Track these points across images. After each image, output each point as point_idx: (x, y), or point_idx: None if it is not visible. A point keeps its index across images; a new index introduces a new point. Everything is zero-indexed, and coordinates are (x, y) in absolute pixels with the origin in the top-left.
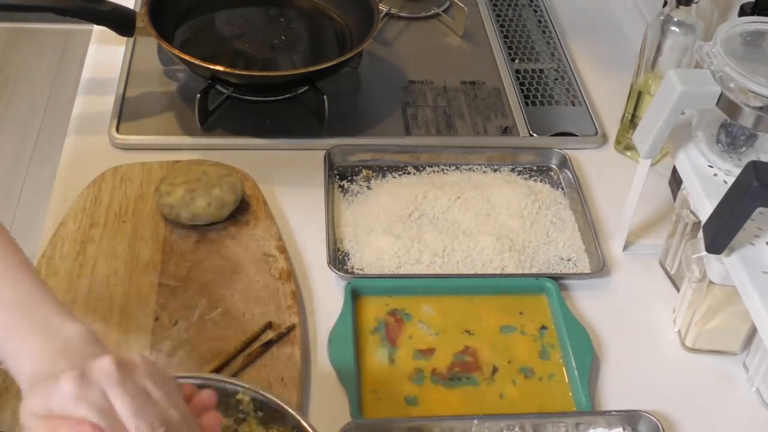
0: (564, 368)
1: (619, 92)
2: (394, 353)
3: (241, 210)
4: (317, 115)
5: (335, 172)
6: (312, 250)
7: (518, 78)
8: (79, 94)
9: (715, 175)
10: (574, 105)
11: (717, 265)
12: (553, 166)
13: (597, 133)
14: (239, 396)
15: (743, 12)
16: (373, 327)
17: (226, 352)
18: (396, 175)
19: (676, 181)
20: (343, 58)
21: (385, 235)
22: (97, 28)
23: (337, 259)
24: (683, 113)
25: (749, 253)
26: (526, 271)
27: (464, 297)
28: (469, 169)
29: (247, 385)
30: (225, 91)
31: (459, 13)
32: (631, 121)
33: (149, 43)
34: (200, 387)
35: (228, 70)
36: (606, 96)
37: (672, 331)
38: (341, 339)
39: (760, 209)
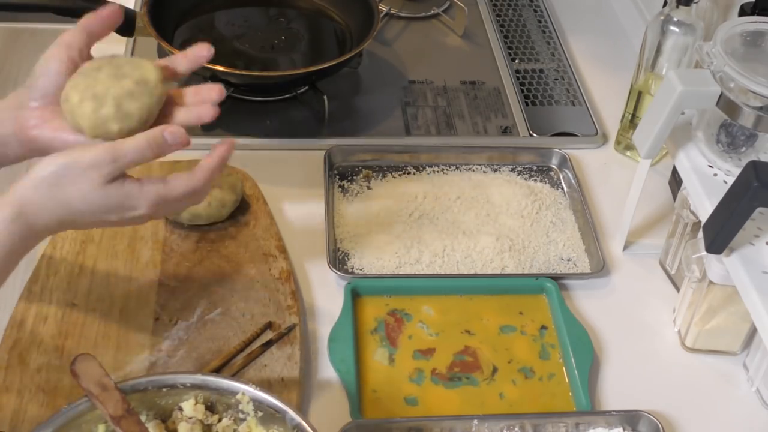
0: (564, 368)
1: (619, 92)
2: (394, 353)
3: (241, 210)
4: (317, 115)
5: (335, 172)
6: (312, 250)
7: (518, 78)
8: None
9: (715, 175)
10: (574, 105)
11: (717, 265)
12: (553, 166)
13: (597, 133)
14: (239, 396)
15: (743, 12)
16: (373, 327)
17: (226, 352)
18: (396, 175)
19: (676, 181)
20: (343, 58)
21: (385, 235)
22: None
23: (337, 259)
24: (683, 113)
25: (749, 253)
26: (526, 271)
27: (464, 297)
28: (469, 169)
29: (247, 385)
30: (225, 91)
31: (459, 13)
32: (631, 121)
33: (149, 43)
34: (200, 387)
35: (228, 70)
36: (606, 96)
37: (672, 331)
38: (341, 339)
39: (760, 209)
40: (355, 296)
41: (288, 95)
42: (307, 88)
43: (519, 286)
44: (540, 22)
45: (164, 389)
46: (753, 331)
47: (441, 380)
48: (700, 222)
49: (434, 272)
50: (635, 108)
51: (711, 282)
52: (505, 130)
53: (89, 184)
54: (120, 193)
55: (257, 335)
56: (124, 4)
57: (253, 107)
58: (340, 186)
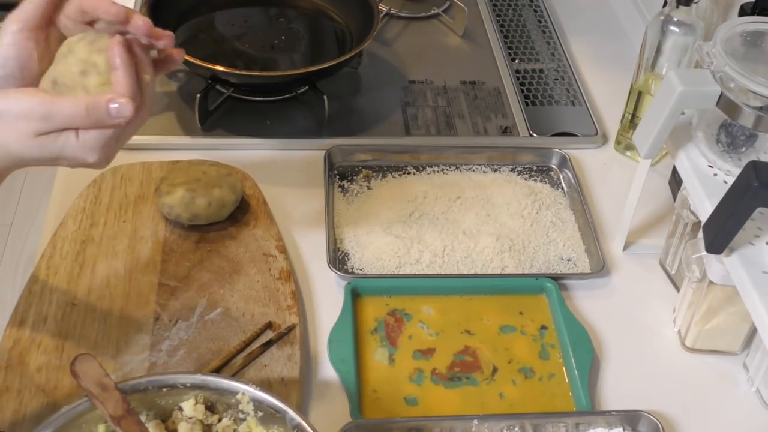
0: (564, 368)
1: (619, 92)
2: (394, 353)
3: (241, 210)
4: (317, 115)
5: (335, 172)
6: (312, 250)
7: (518, 78)
8: None
9: (715, 175)
10: (574, 105)
11: (717, 265)
12: (553, 166)
13: (597, 133)
14: (239, 396)
15: (743, 12)
16: (373, 327)
17: (226, 352)
18: (396, 175)
19: (676, 181)
20: (343, 58)
21: (385, 235)
22: None
23: (337, 259)
24: (683, 113)
25: (749, 253)
26: (526, 271)
27: (464, 297)
28: (469, 169)
29: (247, 385)
30: (225, 91)
31: (459, 13)
32: (631, 121)
33: None
34: (200, 387)
35: (228, 70)
36: (606, 96)
37: (672, 331)
38: (341, 339)
39: (760, 209)
40: (355, 296)
41: (288, 95)
42: (307, 88)
43: (519, 286)
44: (540, 22)
45: (164, 389)
46: (753, 331)
47: (441, 380)
48: (700, 222)
49: (434, 272)
50: (635, 108)
51: (711, 282)
52: (505, 130)
53: (18, 133)
54: (54, 146)
55: (257, 335)
56: (124, 4)
57: (253, 107)
58: (340, 186)
